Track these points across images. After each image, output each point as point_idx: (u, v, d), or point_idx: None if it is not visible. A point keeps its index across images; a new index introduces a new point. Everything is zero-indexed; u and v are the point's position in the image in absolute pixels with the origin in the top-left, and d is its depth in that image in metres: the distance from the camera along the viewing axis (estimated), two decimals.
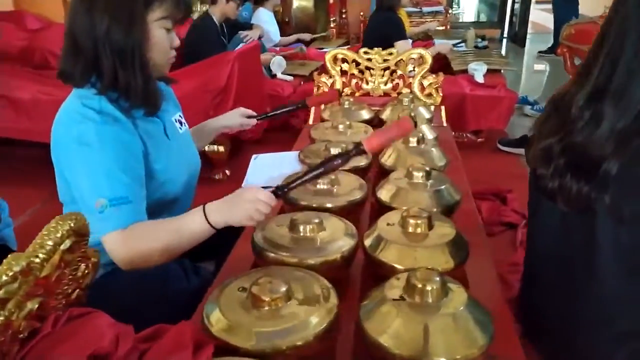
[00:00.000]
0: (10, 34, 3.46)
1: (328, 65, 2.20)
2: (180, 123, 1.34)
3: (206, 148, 2.31)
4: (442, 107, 2.16)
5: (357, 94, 2.23)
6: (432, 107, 2.16)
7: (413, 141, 1.52)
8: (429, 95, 2.17)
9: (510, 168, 2.63)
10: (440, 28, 5.31)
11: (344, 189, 1.34)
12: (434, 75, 2.17)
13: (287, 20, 5.46)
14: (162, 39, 1.12)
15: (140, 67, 1.08)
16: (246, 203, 1.02)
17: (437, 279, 0.81)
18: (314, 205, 1.26)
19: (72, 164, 1.05)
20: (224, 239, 1.16)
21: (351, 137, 1.76)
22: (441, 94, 2.17)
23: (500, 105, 2.72)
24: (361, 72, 2.22)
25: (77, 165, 1.04)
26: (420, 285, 0.79)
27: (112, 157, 1.03)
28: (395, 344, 0.75)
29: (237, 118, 1.55)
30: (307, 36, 4.86)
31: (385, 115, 1.98)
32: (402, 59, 2.19)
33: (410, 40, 4.10)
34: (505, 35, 7.76)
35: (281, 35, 4.89)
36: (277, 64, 3.22)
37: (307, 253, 1.03)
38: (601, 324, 0.98)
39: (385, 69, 2.21)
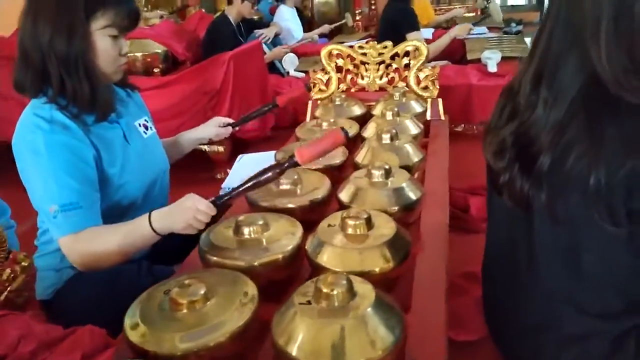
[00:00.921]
0: None
1: (323, 61, 2.19)
2: (146, 127, 1.38)
3: (207, 148, 2.37)
4: (440, 100, 2.11)
5: (353, 90, 2.22)
6: (429, 100, 2.12)
7: (386, 138, 1.50)
8: (425, 88, 2.13)
9: None
10: (470, 14, 5.14)
11: (307, 188, 1.35)
12: (430, 67, 2.12)
13: (310, 15, 5.46)
14: (107, 47, 1.15)
15: (85, 75, 1.13)
16: (185, 212, 1.05)
17: (344, 282, 0.80)
18: (278, 206, 1.28)
19: (27, 172, 1.11)
20: (190, 242, 1.19)
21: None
22: (438, 87, 2.11)
23: None
24: (356, 67, 2.19)
25: (31, 174, 1.10)
26: (325, 290, 0.79)
27: (61, 165, 1.08)
28: (295, 347, 0.76)
29: (211, 129, 1.57)
30: (327, 28, 4.83)
31: (377, 110, 1.96)
32: (397, 52, 2.15)
33: (428, 31, 4.01)
34: None
35: (305, 32, 4.90)
36: (289, 61, 3.24)
37: (248, 255, 1.04)
38: (546, 326, 0.95)
39: (380, 63, 2.18)
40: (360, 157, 1.50)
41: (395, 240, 1.03)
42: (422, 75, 2.12)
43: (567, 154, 0.83)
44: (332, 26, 4.85)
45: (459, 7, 5.12)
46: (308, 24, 5.23)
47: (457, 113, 2.62)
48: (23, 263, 0.88)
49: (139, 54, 3.38)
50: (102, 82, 1.18)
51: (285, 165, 1.06)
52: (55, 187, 1.07)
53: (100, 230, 1.10)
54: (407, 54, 2.15)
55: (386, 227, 1.06)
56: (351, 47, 2.21)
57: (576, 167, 0.81)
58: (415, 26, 3.24)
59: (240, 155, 1.78)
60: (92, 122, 1.18)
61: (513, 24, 6.01)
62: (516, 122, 0.93)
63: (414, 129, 1.73)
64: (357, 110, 2.02)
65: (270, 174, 1.06)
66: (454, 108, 2.56)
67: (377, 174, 1.27)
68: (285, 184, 1.33)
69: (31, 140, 1.09)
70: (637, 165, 0.76)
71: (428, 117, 2.03)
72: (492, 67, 2.79)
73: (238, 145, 2.46)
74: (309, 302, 0.80)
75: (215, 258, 1.04)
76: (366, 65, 2.19)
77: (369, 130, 1.72)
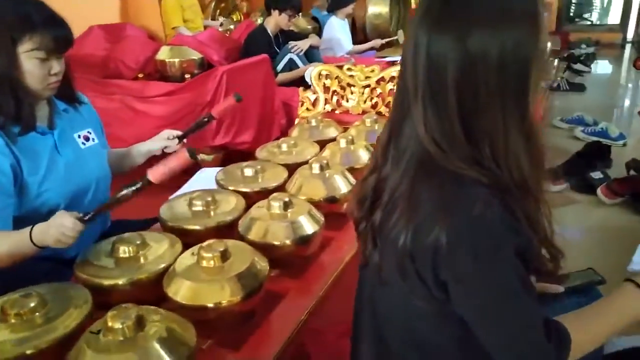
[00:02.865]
0: (97, 45, 3.97)
1: (313, 81, 2.21)
2: (87, 139, 1.48)
3: (201, 157, 2.46)
4: None
5: (337, 111, 2.21)
6: None
7: (316, 167, 1.50)
8: None
9: None
10: None
11: (222, 209, 1.38)
12: None
13: (362, 27, 5.43)
14: (34, 68, 1.26)
15: (10, 91, 1.24)
16: (53, 228, 1.12)
17: (133, 315, 0.83)
18: (184, 227, 1.32)
19: None
20: None
21: (295, 156, 1.77)
22: None
23: None
24: (343, 89, 2.19)
25: None
26: (110, 323, 0.83)
27: None
28: None
29: (159, 141, 1.64)
30: (378, 42, 4.79)
31: (350, 134, 1.94)
32: (383, 77, 2.12)
33: None
34: (629, 40, 6.79)
35: (355, 44, 4.89)
36: (309, 74, 3.27)
37: (112, 272, 1.10)
38: None
39: (366, 87, 2.15)
40: (290, 185, 1.51)
41: (246, 274, 1.04)
42: None
43: (391, 212, 0.81)
44: (384, 41, 4.80)
45: None
46: (356, 36, 5.21)
47: None
48: None
49: (176, 60, 3.57)
50: (29, 98, 1.29)
51: (139, 184, 1.11)
52: None
53: None
54: (392, 79, 2.10)
55: (241, 261, 1.07)
56: (340, 67, 2.20)
57: (395, 228, 0.79)
58: None
59: (202, 169, 1.85)
60: (17, 133, 1.29)
61: (583, 45, 5.63)
62: (376, 174, 0.91)
63: (365, 157, 1.70)
64: (332, 132, 2.01)
65: (126, 191, 1.11)
66: None
67: (276, 206, 1.27)
68: (199, 206, 1.37)
69: None
70: (443, 234, 0.72)
71: None
72: None
73: (232, 155, 2.53)
74: (98, 332, 0.84)
75: (84, 275, 1.10)
76: (352, 87, 2.17)
77: (323, 156, 1.72)
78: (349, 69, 2.19)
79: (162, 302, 1.04)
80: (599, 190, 2.24)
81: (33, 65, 1.26)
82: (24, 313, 0.93)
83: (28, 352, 0.88)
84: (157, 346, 0.83)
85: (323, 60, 3.99)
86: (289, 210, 1.28)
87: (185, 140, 1.66)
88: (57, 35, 1.27)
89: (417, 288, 0.77)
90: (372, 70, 2.14)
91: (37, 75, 1.27)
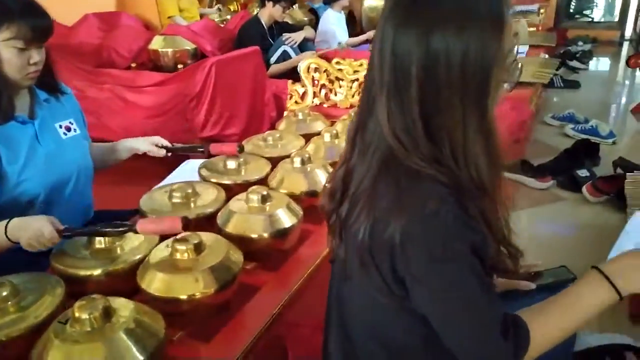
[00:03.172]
0: (91, 33, 3.95)
1: (302, 74, 2.21)
2: (68, 129, 1.47)
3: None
4: None
5: (325, 105, 2.21)
6: None
7: (297, 161, 1.50)
8: None
9: None
10: (531, 29, 4.82)
11: (202, 201, 1.39)
12: None
13: (358, 20, 5.41)
14: (12, 57, 1.25)
15: None
16: (30, 231, 1.12)
17: (100, 306, 0.84)
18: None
19: None
20: None
21: (280, 149, 1.77)
22: None
23: (499, 126, 2.40)
24: (331, 82, 2.19)
25: None
26: (77, 313, 0.84)
27: None
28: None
29: (147, 144, 1.62)
30: (372, 35, 4.77)
31: (335, 128, 1.94)
32: None
33: None
34: (627, 37, 6.77)
35: (353, 36, 4.87)
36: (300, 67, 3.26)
37: (87, 263, 1.11)
38: None
39: (354, 80, 2.15)
40: (272, 178, 1.51)
41: (220, 266, 1.05)
42: None
43: (355, 206, 0.81)
44: None
45: (515, 21, 4.81)
46: (353, 29, 5.19)
47: None
48: None
49: (169, 50, 3.56)
50: (7, 87, 1.28)
51: (125, 229, 1.11)
52: None
53: None
54: None
55: (215, 254, 1.08)
56: (329, 61, 2.20)
57: (356, 223, 0.79)
58: None
59: (187, 160, 1.85)
60: None
61: (580, 42, 5.61)
62: (345, 166, 0.92)
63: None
64: (319, 126, 2.02)
65: (109, 230, 1.12)
66: None
67: (254, 199, 1.28)
68: (179, 199, 1.37)
69: None
70: (397, 231, 0.73)
71: None
72: None
73: None
74: (66, 322, 0.84)
75: (59, 266, 1.11)
76: (340, 81, 2.17)
77: (307, 149, 1.72)
78: (337, 62, 2.19)
79: (137, 294, 1.06)
80: (584, 188, 2.25)
81: (11, 54, 1.25)
82: None
83: (3, 339, 0.89)
84: (124, 337, 0.84)
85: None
86: (267, 204, 1.29)
87: (169, 154, 1.65)
88: (36, 25, 1.27)
89: (378, 284, 0.78)
90: (361, 64, 2.15)
91: (16, 65, 1.27)
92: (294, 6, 5.85)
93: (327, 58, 2.25)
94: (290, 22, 4.50)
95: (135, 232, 1.11)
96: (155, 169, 1.99)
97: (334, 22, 4.67)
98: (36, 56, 1.30)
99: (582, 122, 3.20)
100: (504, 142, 2.37)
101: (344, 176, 0.89)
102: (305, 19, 4.94)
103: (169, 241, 1.10)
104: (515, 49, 0.82)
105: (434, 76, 0.72)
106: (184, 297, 1.01)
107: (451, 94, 0.73)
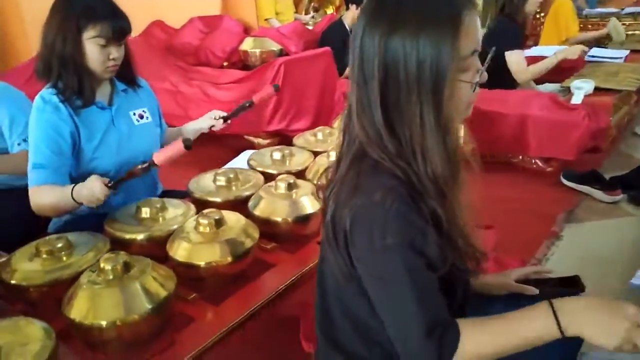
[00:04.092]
0: (194, 35, 4.34)
1: None
2: (141, 117, 1.69)
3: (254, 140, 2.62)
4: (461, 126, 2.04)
5: None
6: None
7: (333, 155, 1.59)
8: None
9: (549, 207, 2.15)
10: (631, 32, 4.42)
11: (242, 186, 1.54)
12: None
13: None
14: (95, 52, 1.48)
15: (74, 71, 1.47)
16: (85, 189, 1.34)
17: (121, 260, 1.02)
18: (209, 199, 1.50)
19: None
20: None
21: (329, 144, 1.88)
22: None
23: (569, 134, 2.28)
24: None
25: (29, 139, 1.52)
26: (102, 265, 1.01)
27: (41, 135, 1.45)
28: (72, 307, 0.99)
29: (206, 120, 1.83)
30: None
31: None
32: None
33: (550, 49, 3.65)
34: None
35: None
36: None
37: (131, 228, 1.30)
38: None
39: None
40: (310, 170, 1.62)
41: (236, 240, 1.19)
42: None
43: (331, 191, 0.89)
44: None
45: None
46: None
47: (510, 144, 2.45)
48: None
49: (257, 50, 3.83)
50: (90, 78, 1.52)
51: (147, 164, 1.31)
52: (33, 151, 1.46)
53: (46, 189, 1.42)
54: None
55: (233, 229, 1.22)
56: None
57: (327, 206, 0.88)
58: (516, 44, 3.03)
59: (246, 151, 2.02)
60: (80, 105, 1.54)
61: None
62: (337, 155, 0.99)
63: None
64: None
65: (136, 168, 1.33)
66: (505, 136, 2.42)
67: (282, 186, 1.40)
68: (222, 182, 1.54)
69: (32, 115, 1.50)
70: (348, 216, 0.80)
71: None
72: (577, 99, 2.50)
73: (289, 140, 2.69)
74: (94, 271, 1.03)
75: (109, 229, 1.32)
76: None
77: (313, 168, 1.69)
78: None
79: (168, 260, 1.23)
80: None
81: (94, 50, 1.48)
82: (53, 251, 1.16)
83: (53, 280, 1.10)
84: (138, 286, 1.00)
85: None
86: (293, 191, 1.41)
87: (229, 121, 1.84)
88: (116, 26, 1.48)
89: (341, 265, 0.85)
90: None
91: (97, 59, 1.50)
92: None
93: None
94: None
95: (154, 164, 1.31)
96: (223, 155, 2.20)
97: None
98: (115, 53, 1.52)
99: None
100: (573, 150, 2.26)
101: (335, 164, 0.97)
102: None
103: (196, 216, 1.26)
104: (473, 50, 0.83)
105: (393, 75, 0.78)
106: (202, 264, 1.16)
107: (409, 91, 0.78)
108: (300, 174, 1.63)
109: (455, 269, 0.85)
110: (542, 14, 5.24)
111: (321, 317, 0.99)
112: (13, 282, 1.11)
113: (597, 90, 2.63)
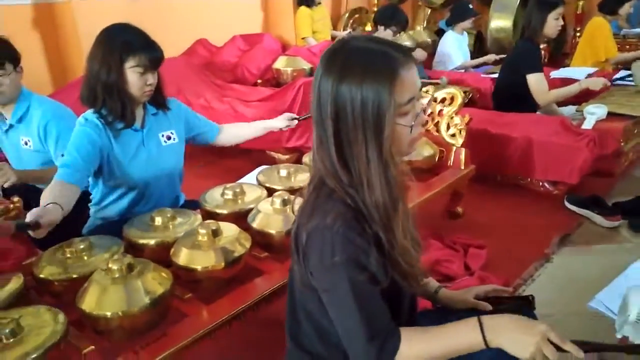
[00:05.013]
0: (233, 53, 4.59)
1: None
2: (168, 138, 1.88)
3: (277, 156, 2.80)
4: (463, 150, 2.16)
5: None
6: (454, 148, 2.19)
7: (277, 202, 1.64)
8: (453, 135, 2.19)
9: (549, 229, 2.21)
10: None
11: (247, 200, 1.72)
12: (460, 117, 2.18)
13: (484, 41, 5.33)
14: (135, 79, 1.68)
15: (118, 97, 1.68)
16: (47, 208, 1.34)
17: (126, 262, 1.21)
18: (215, 211, 1.69)
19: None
20: None
21: None
22: (464, 135, 2.16)
23: (573, 158, 2.32)
24: None
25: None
26: (110, 265, 1.21)
27: (74, 142, 1.65)
28: (84, 299, 1.19)
29: (282, 121, 2.04)
30: (492, 58, 4.72)
31: None
32: (435, 97, 2.26)
33: (583, 71, 3.65)
34: None
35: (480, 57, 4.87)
36: None
37: (145, 234, 1.50)
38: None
39: None
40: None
41: (229, 248, 1.37)
42: (452, 123, 2.19)
43: (299, 210, 1.05)
44: (498, 57, 4.71)
45: None
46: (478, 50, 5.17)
47: (517, 165, 2.52)
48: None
49: (289, 69, 4.02)
50: (131, 102, 1.72)
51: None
52: (66, 153, 1.65)
53: (56, 185, 1.51)
54: (443, 100, 2.24)
55: (227, 238, 1.39)
56: None
57: (294, 223, 1.03)
58: (536, 67, 3.09)
59: (261, 166, 2.20)
60: (120, 128, 1.75)
61: None
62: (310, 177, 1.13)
63: None
64: None
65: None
66: (513, 159, 2.50)
67: (277, 202, 1.57)
68: (229, 195, 1.72)
69: (76, 127, 1.71)
70: (304, 234, 0.95)
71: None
72: (588, 124, 2.53)
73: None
74: (104, 270, 1.22)
75: (125, 234, 1.53)
76: None
77: None
78: None
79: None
80: None
81: (134, 77, 1.69)
82: (76, 252, 1.37)
83: (73, 276, 1.32)
84: (138, 284, 1.19)
85: (427, 75, 4.13)
86: (287, 207, 1.57)
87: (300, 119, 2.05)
88: (152, 56, 1.69)
89: (302, 276, 1.00)
90: (427, 91, 2.30)
91: (137, 85, 1.70)
92: (419, 27, 6.01)
93: None
94: (409, 43, 4.68)
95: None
96: (247, 168, 2.39)
97: (451, 44, 4.74)
98: (151, 79, 1.73)
99: None
100: (575, 174, 2.30)
101: (308, 186, 1.12)
102: (429, 40, 5.05)
103: (196, 226, 1.45)
104: (410, 98, 0.95)
105: (343, 116, 0.92)
106: (199, 268, 1.34)
107: (355, 131, 0.92)
108: (302, 190, 1.79)
109: (400, 283, 0.99)
110: (579, 34, 5.21)
111: (290, 321, 1.13)
112: (41, 276, 1.32)
113: (613, 115, 2.66)
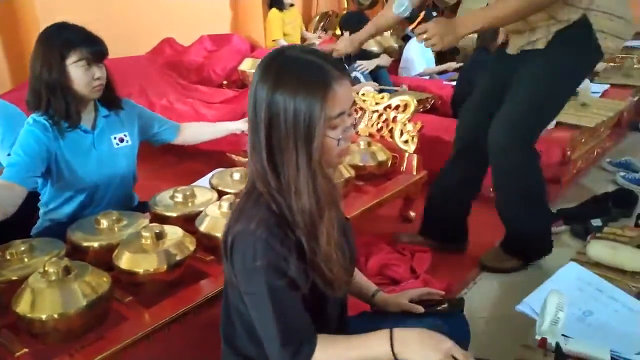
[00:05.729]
0: (200, 53, 4.57)
1: None
2: (121, 140, 1.87)
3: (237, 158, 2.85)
4: (415, 156, 2.22)
5: None
6: (407, 155, 2.24)
7: (224, 206, 1.64)
8: (405, 142, 2.25)
9: (497, 234, 2.17)
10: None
11: (197, 203, 1.73)
12: (413, 124, 2.24)
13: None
14: (80, 75, 1.65)
15: (62, 95, 1.66)
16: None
17: (63, 265, 1.21)
18: (164, 214, 1.69)
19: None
20: None
21: None
22: (416, 142, 2.22)
23: None
24: (356, 111, 2.42)
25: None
26: (47, 268, 1.21)
27: (22, 141, 1.64)
28: (19, 302, 1.19)
29: (242, 123, 2.06)
30: (452, 66, 4.84)
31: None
32: (390, 104, 2.32)
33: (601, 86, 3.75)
34: None
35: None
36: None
37: (88, 237, 1.50)
38: None
39: (375, 112, 2.37)
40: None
41: (173, 252, 1.39)
42: (404, 130, 2.25)
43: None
44: (458, 65, 4.83)
45: None
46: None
47: None
48: None
49: (254, 71, 4.03)
50: (76, 100, 1.70)
51: None
52: (12, 153, 1.64)
53: (9, 186, 1.54)
54: (397, 107, 2.30)
55: (171, 241, 1.41)
56: (357, 92, 2.44)
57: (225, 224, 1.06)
58: None
59: (217, 169, 2.21)
60: (66, 127, 1.73)
61: None
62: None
63: (345, 174, 1.94)
64: None
65: None
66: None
67: (225, 205, 1.59)
68: (179, 198, 1.73)
69: (24, 127, 1.68)
70: (231, 236, 0.98)
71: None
72: None
73: None
74: (41, 272, 1.22)
75: (70, 236, 1.52)
76: (364, 111, 2.40)
77: None
78: (363, 94, 2.42)
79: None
80: (588, 238, 2.18)
81: (79, 73, 1.66)
82: (16, 254, 1.36)
83: (13, 278, 1.31)
84: (76, 287, 1.19)
85: (390, 81, 4.21)
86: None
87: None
88: (93, 49, 1.67)
89: (230, 275, 1.03)
90: (382, 97, 2.35)
91: (84, 81, 1.67)
92: (387, 32, 6.09)
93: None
94: (376, 48, 4.74)
95: None
96: (206, 170, 2.40)
97: (415, 50, 4.84)
98: (98, 72, 1.71)
99: (637, 170, 2.99)
100: None
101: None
102: (396, 45, 5.13)
103: (140, 229, 1.45)
104: (340, 112, 0.99)
105: (276, 123, 0.95)
106: (140, 271, 1.35)
107: (287, 138, 0.94)
108: None
109: (322, 289, 1.03)
110: None
111: (224, 323, 1.15)
112: None
113: (561, 125, 2.76)
